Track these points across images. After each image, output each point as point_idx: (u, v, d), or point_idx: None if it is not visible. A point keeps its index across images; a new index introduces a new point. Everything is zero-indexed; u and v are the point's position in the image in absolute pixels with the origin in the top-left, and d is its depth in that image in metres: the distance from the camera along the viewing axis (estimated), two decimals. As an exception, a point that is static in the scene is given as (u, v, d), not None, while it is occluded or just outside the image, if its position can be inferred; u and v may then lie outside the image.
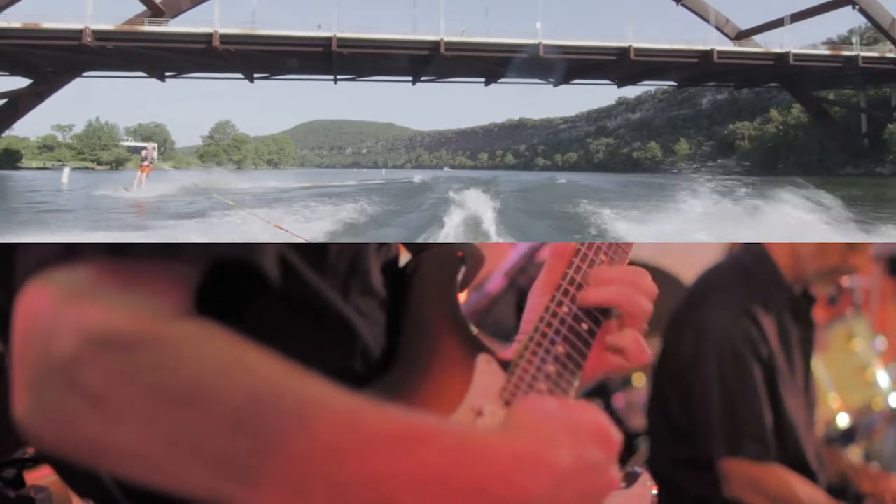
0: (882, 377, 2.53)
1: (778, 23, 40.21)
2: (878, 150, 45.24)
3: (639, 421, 2.42)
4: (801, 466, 1.86)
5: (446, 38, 32.17)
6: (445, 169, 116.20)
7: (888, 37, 37.83)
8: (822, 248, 1.95)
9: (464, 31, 33.59)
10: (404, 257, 0.81)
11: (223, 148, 79.28)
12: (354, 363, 0.70)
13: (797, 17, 40.00)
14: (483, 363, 0.72)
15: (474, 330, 0.75)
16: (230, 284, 0.62)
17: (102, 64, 33.80)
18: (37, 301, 0.52)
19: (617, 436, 0.61)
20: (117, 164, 60.37)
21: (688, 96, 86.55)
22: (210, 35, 29.59)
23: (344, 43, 31.05)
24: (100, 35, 29.11)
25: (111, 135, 63.24)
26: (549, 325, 0.74)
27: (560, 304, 0.75)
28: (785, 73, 38.81)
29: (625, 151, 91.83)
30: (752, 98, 70.14)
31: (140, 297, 0.53)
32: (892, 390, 2.53)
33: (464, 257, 0.78)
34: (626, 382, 2.56)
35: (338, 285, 0.70)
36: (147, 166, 17.96)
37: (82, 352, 0.49)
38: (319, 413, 0.51)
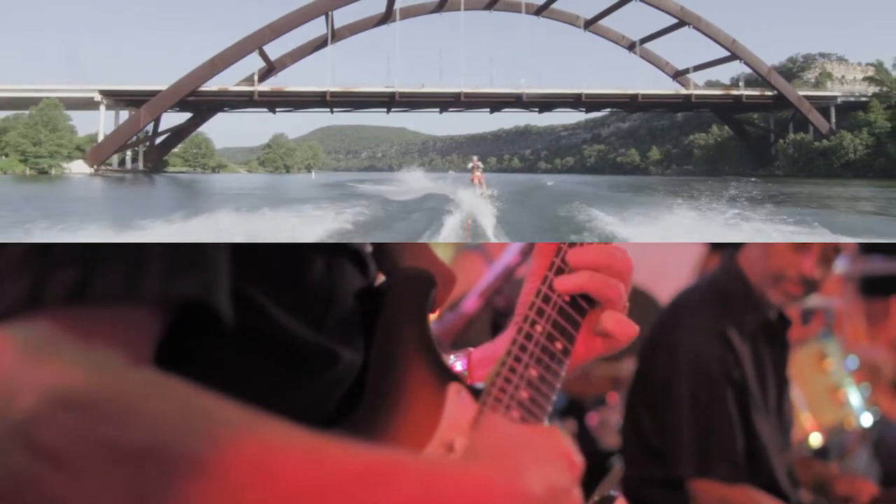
0: (854, 397, 2.52)
1: (685, 71, 56.35)
2: (778, 159, 62.63)
3: (612, 439, 2.43)
4: (772, 488, 1.84)
5: (465, 90, 50.29)
6: (450, 173, 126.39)
7: (765, 81, 53.54)
8: (797, 251, 1.91)
9: (477, 86, 52.03)
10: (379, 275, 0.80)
11: (279, 155, 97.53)
12: (321, 400, 0.69)
13: (698, 67, 55.79)
14: (454, 393, 0.70)
15: (446, 359, 0.74)
16: (188, 326, 0.60)
17: (242, 105, 52.02)
18: None
19: (580, 459, 0.60)
20: (216, 168, 76.15)
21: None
22: (325, 92, 47.97)
23: (402, 95, 49.42)
24: (263, 94, 47.63)
25: (208, 146, 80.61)
26: (523, 347, 0.70)
27: (533, 323, 0.72)
28: (691, 106, 56.52)
29: (612, 157, 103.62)
30: (710, 113, 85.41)
31: (99, 350, 0.53)
32: (864, 410, 2.52)
33: (433, 279, 0.74)
34: (599, 401, 2.61)
35: (306, 315, 0.68)
36: (480, 175, 21.34)
37: (41, 411, 0.48)
38: (281, 454, 0.50)
